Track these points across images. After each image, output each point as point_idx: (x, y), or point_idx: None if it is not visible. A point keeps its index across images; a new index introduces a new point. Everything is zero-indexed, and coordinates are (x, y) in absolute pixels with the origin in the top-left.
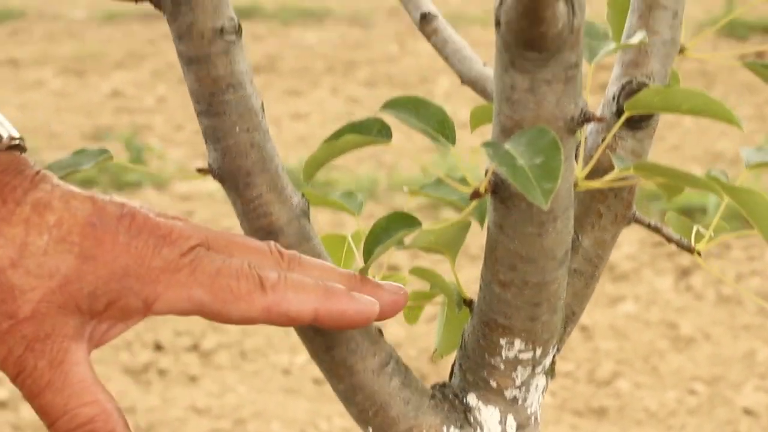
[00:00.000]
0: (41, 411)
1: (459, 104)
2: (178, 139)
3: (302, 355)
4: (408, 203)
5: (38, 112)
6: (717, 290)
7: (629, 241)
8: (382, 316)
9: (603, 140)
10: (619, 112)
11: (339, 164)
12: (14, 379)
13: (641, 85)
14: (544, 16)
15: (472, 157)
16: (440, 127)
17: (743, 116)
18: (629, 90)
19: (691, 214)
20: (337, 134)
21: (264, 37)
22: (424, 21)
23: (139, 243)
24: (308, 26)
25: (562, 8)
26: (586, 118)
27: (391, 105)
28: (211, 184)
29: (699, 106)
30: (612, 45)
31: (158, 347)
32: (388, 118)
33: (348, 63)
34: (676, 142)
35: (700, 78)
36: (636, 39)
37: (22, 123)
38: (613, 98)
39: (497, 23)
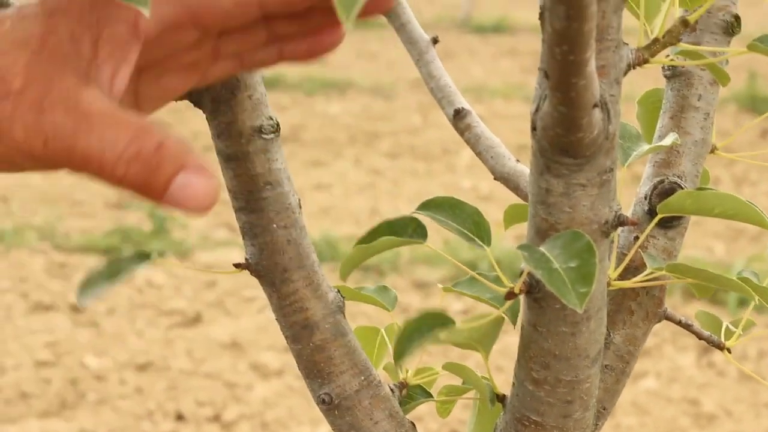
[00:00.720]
0: (83, 162)
1: (481, 176)
2: None
3: (324, 427)
4: (432, 275)
5: (62, 179)
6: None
7: None
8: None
9: (635, 238)
10: (651, 211)
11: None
12: (45, 152)
13: (673, 185)
14: (580, 124)
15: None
16: (476, 229)
17: (764, 191)
18: (661, 189)
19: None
20: (372, 234)
21: (287, 107)
22: (458, 117)
23: None
24: (331, 97)
25: (598, 115)
26: (620, 221)
27: (427, 206)
28: (234, 254)
29: (731, 210)
30: (645, 147)
31: (179, 417)
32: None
33: (371, 134)
34: (697, 217)
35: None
36: (668, 140)
37: (45, 191)
38: (646, 197)
39: (533, 128)
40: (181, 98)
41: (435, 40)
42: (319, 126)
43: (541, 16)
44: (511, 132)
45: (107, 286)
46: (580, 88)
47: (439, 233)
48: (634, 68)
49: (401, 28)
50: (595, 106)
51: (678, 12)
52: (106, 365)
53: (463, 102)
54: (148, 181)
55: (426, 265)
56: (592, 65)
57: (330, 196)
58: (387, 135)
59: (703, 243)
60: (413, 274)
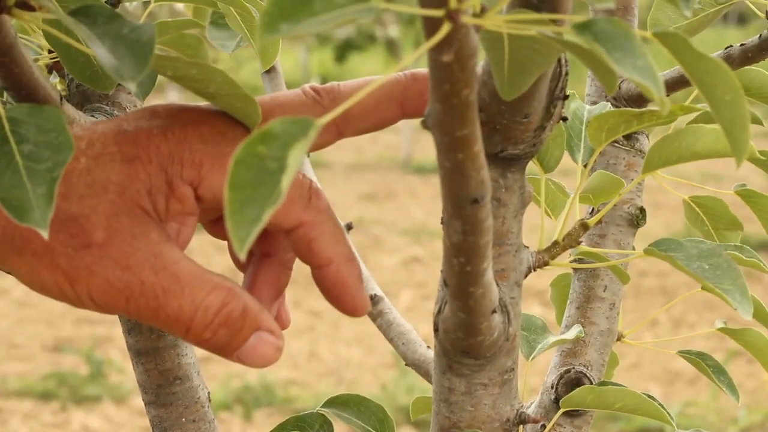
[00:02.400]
0: (170, 322)
1: (420, 318)
2: None
3: None
4: None
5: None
6: None
7: None
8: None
9: (542, 427)
10: (557, 400)
11: (299, 379)
12: (126, 308)
13: (579, 375)
14: (480, 328)
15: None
16: (380, 426)
17: (702, 336)
18: (567, 379)
19: None
20: (280, 429)
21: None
22: (371, 302)
23: (175, 129)
24: None
25: (497, 319)
26: (521, 419)
27: (333, 403)
28: None
29: (631, 405)
30: (550, 339)
31: None
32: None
33: (310, 276)
34: (634, 360)
35: (660, 294)
36: (572, 334)
37: None
38: (552, 386)
39: (435, 329)
40: None
41: (349, 227)
42: None
43: (442, 223)
44: None
45: None
46: (478, 296)
47: (377, 376)
48: (534, 270)
49: None
50: (494, 311)
51: (578, 210)
52: None
53: (376, 288)
54: (229, 342)
55: None
56: (489, 274)
57: None
58: None
59: (639, 386)
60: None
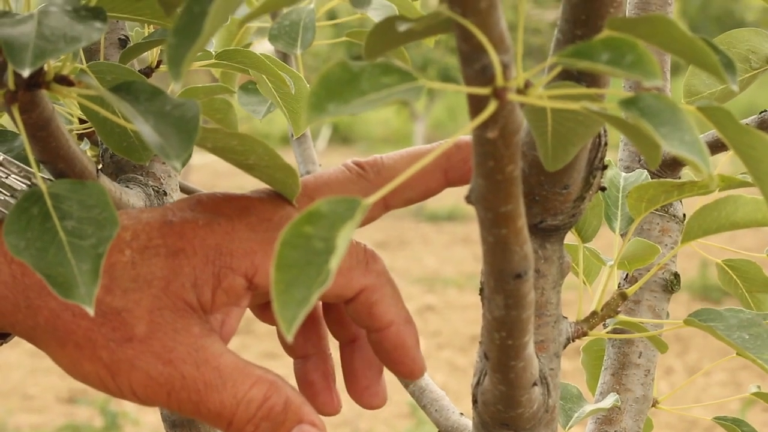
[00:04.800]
0: (212, 416)
1: (435, 367)
2: None
3: None
4: None
5: (13, 373)
6: None
7: None
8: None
9: None
10: None
11: None
12: (168, 402)
13: None
14: (520, 401)
15: None
16: None
17: (716, 382)
18: None
19: None
20: None
21: None
22: None
23: (221, 220)
24: None
25: (537, 391)
26: None
27: None
28: None
29: None
30: (587, 408)
31: None
32: None
33: None
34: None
35: (675, 342)
36: (608, 403)
37: None
38: None
39: (474, 401)
40: None
41: None
42: None
43: (481, 294)
44: (464, 323)
45: None
46: (519, 370)
47: (392, 426)
48: (573, 341)
49: None
50: (535, 384)
51: (617, 276)
52: None
53: None
54: None
55: None
56: (531, 347)
57: None
58: None
59: None
60: None
